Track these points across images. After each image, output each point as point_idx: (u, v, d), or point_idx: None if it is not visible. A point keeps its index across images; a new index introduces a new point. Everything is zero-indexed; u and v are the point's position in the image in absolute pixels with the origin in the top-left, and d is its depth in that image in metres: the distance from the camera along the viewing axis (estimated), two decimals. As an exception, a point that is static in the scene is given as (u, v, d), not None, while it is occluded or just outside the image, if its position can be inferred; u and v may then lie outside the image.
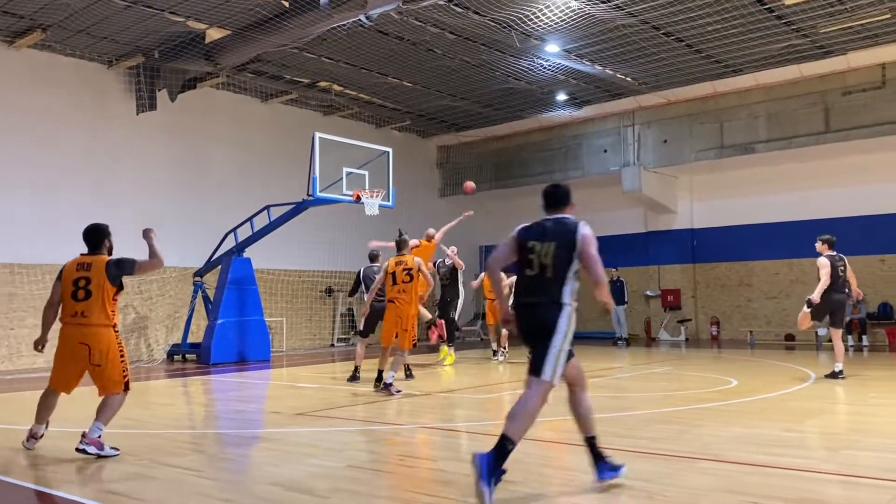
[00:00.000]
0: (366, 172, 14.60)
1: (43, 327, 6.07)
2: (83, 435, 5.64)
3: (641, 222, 21.90)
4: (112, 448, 5.69)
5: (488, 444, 5.40)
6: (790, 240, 19.09)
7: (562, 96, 19.54)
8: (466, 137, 23.34)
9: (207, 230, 16.40)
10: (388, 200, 14.73)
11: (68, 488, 4.80)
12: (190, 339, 15.76)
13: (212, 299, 15.59)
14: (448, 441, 6.32)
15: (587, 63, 16.78)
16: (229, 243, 15.58)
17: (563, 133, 22.02)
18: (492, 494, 4.13)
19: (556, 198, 5.20)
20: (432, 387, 10.34)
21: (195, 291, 15.93)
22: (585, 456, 4.72)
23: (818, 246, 10.91)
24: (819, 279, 10.57)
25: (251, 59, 15.76)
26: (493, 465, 4.24)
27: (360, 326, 11.29)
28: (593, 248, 4.84)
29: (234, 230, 15.50)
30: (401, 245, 10.09)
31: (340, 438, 6.66)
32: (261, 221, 15.21)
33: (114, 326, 5.86)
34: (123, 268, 5.94)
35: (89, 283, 5.83)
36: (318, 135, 13.97)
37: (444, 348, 13.67)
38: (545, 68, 17.12)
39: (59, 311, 5.97)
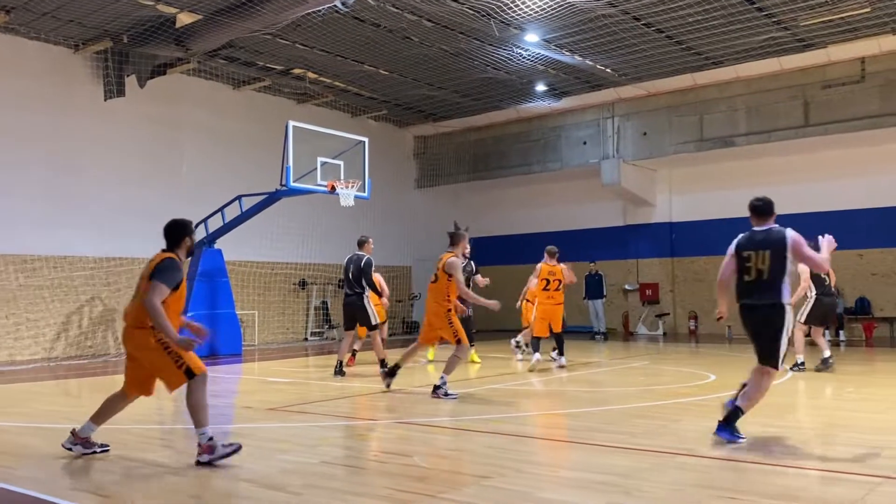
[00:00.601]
0: (341, 162, 14.54)
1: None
2: (199, 445, 5.20)
3: (620, 215, 22.04)
4: (226, 445, 5.28)
5: (467, 439, 5.41)
6: (769, 234, 19.31)
7: (541, 87, 19.58)
8: (444, 128, 23.32)
9: (177, 220, 16.22)
10: (364, 191, 14.68)
11: (30, 485, 4.74)
12: (159, 333, 15.59)
13: (182, 291, 15.43)
14: (424, 436, 6.33)
15: (567, 53, 16.83)
16: (199, 234, 15.40)
17: (543, 124, 22.07)
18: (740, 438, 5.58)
19: (763, 210, 5.98)
20: (409, 382, 10.34)
21: (164, 283, 15.75)
22: (570, 451, 4.74)
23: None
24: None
25: (223, 44, 15.61)
26: (732, 427, 5.65)
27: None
28: (806, 248, 5.77)
29: (204, 220, 15.37)
30: (452, 238, 9.23)
31: (314, 434, 6.64)
32: (232, 212, 15.09)
33: (148, 328, 5.26)
34: (168, 274, 5.33)
35: (141, 281, 5.43)
36: (291, 123, 13.88)
37: (431, 349, 13.19)
38: (524, 58, 17.14)
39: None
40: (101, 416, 5.63)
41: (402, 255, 22.93)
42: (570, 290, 22.75)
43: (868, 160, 18.04)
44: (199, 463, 5.16)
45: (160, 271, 5.30)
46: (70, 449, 5.47)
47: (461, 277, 8.77)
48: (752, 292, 5.83)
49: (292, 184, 13.68)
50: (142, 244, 16.64)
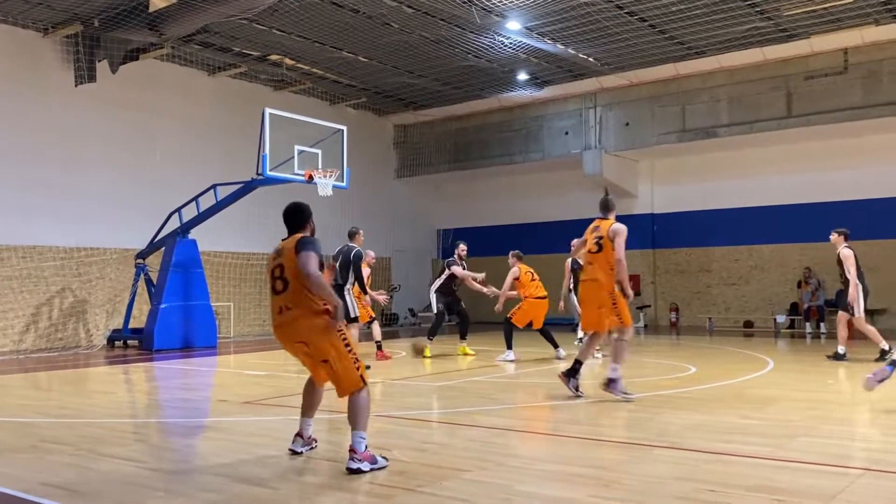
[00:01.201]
0: (319, 151, 14.45)
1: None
2: (351, 451, 4.82)
3: (602, 207, 22.11)
4: (382, 457, 4.90)
5: (447, 432, 5.43)
6: (750, 226, 19.52)
7: (523, 76, 19.58)
8: (424, 116, 23.27)
9: (150, 210, 16.11)
10: (342, 181, 14.61)
11: (1, 481, 4.69)
12: (132, 325, 15.51)
13: (155, 282, 15.34)
14: (404, 430, 6.34)
15: (549, 42, 16.83)
16: (173, 224, 15.31)
17: (524, 114, 22.09)
18: None
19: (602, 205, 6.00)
20: (388, 375, 10.34)
21: (137, 274, 15.66)
22: (551, 444, 4.76)
23: (834, 238, 11.36)
24: (848, 271, 11.08)
25: (198, 29, 15.45)
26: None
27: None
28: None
29: (178, 210, 15.24)
30: (604, 206, 8.49)
31: (291, 428, 6.60)
32: (207, 201, 14.97)
33: (324, 312, 4.94)
34: (314, 245, 5.07)
35: (283, 270, 5.06)
36: (268, 111, 13.78)
37: (463, 345, 13.17)
38: (506, 46, 17.13)
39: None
40: (308, 408, 5.43)
41: (382, 245, 22.87)
42: (552, 283, 22.81)
43: (851, 152, 18.24)
44: (353, 471, 4.72)
45: (304, 243, 5.01)
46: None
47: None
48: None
49: (269, 173, 13.59)
50: (113, 234, 16.55)
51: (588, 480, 4.53)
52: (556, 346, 12.11)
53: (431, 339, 12.92)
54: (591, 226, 8.36)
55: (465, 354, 12.82)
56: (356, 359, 4.98)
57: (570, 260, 12.67)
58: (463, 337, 13.19)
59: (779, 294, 19.39)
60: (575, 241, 9.38)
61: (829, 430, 6.12)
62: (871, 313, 18.05)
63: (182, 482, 4.71)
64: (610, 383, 7.63)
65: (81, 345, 15.33)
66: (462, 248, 13.45)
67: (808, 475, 4.67)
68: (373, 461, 4.81)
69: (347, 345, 4.96)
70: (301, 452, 5.28)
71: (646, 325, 20.53)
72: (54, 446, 5.63)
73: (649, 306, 20.98)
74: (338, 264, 11.12)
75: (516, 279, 12.23)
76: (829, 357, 11.40)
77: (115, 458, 5.25)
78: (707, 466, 4.87)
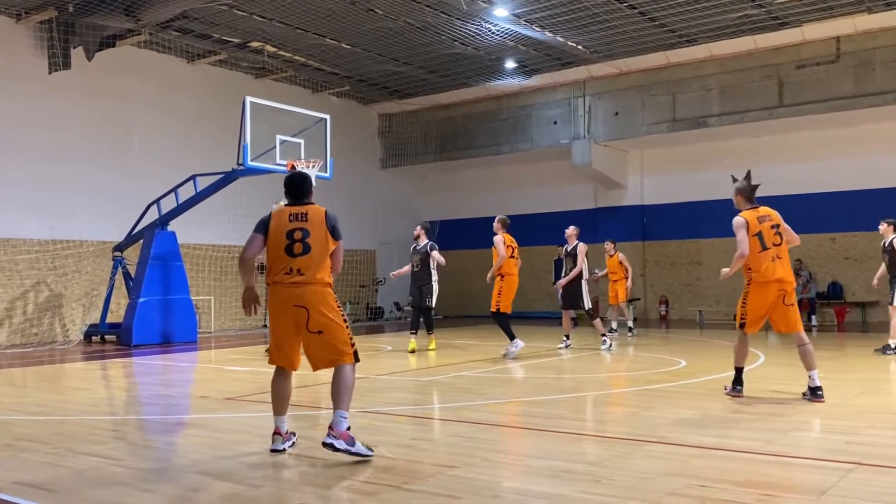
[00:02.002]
0: (301, 141, 14.41)
1: (246, 280, 5.31)
2: (329, 427, 4.97)
3: (591, 198, 22.19)
4: (366, 447, 4.97)
5: (432, 428, 5.45)
6: (742, 217, 19.60)
7: (510, 64, 19.58)
8: (410, 105, 23.22)
9: (128, 201, 16.02)
10: (326, 171, 14.58)
11: (-26, 480, 4.66)
12: (109, 319, 15.43)
13: (133, 276, 15.26)
14: (388, 426, 6.34)
15: (537, 29, 16.83)
16: (152, 215, 15.23)
17: (512, 103, 22.09)
18: None
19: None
20: (372, 370, 10.35)
21: (115, 267, 15.57)
22: (538, 440, 4.78)
23: (883, 227, 11.50)
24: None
25: (176, 15, 15.34)
26: None
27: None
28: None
29: (157, 201, 15.16)
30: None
31: (273, 424, 6.61)
32: (186, 192, 14.89)
33: (330, 286, 5.22)
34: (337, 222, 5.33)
35: (307, 235, 5.18)
36: (249, 99, 13.72)
37: (432, 337, 13.09)
38: (493, 33, 17.11)
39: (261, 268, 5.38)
40: (275, 406, 5.42)
41: (366, 238, 22.86)
42: (539, 275, 22.81)
43: (842, 142, 18.37)
44: (327, 445, 4.90)
45: (338, 227, 5.32)
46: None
47: None
48: None
49: (250, 163, 13.54)
50: (90, 226, 16.43)
51: (578, 476, 4.55)
52: (512, 337, 11.41)
53: (431, 333, 12.95)
54: (757, 215, 7.36)
55: (413, 350, 12.66)
56: (351, 335, 5.17)
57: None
58: (429, 330, 12.96)
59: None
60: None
61: (819, 424, 6.17)
62: (862, 306, 18.28)
63: (162, 481, 4.69)
64: (815, 391, 7.05)
65: (57, 340, 15.23)
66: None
67: (798, 470, 4.72)
68: (350, 442, 4.90)
69: (345, 319, 5.19)
70: (284, 450, 5.27)
71: (635, 319, 20.59)
72: (29, 444, 5.59)
73: (639, 299, 21.06)
74: None
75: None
76: (877, 351, 11.37)
77: (93, 456, 5.23)
78: (697, 461, 4.90)
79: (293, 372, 5.42)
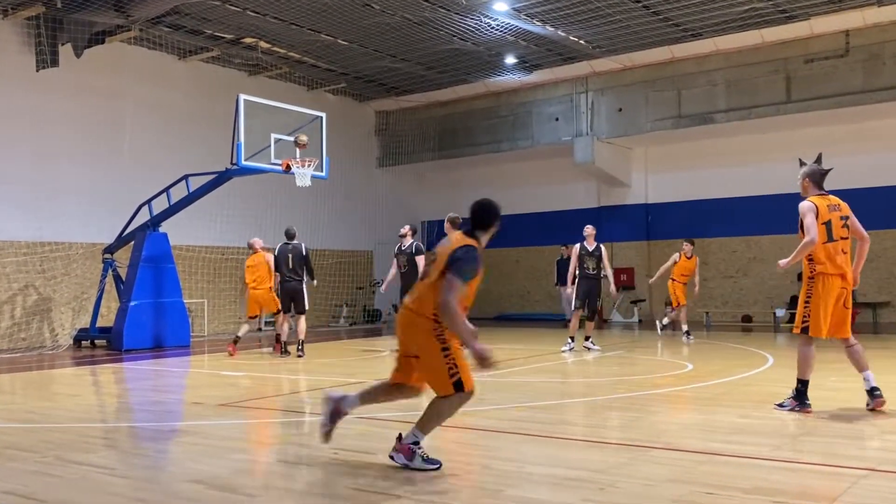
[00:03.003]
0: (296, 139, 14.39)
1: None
2: (400, 440, 4.97)
3: (594, 196, 22.18)
4: (428, 460, 4.87)
5: (432, 435, 5.43)
6: (748, 216, 19.61)
7: (511, 59, 19.58)
8: (407, 102, 23.22)
9: (119, 202, 16.01)
10: (322, 171, 14.57)
11: (-39, 490, 4.65)
12: (100, 323, 15.43)
13: (124, 279, 15.25)
14: (387, 432, 6.33)
15: (538, 23, 16.83)
16: (143, 216, 15.22)
17: (512, 100, 22.09)
18: None
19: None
20: (368, 375, 10.34)
21: (105, 270, 15.56)
22: (541, 446, 4.78)
23: None
24: None
25: (167, 11, 15.33)
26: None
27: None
28: None
29: (148, 202, 15.15)
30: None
31: (269, 431, 6.62)
32: (179, 192, 14.89)
33: (436, 319, 4.88)
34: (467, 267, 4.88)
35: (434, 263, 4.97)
36: (242, 97, 13.71)
37: None
38: (493, 28, 17.11)
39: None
40: (369, 398, 5.31)
41: (363, 238, 22.87)
42: (540, 276, 22.82)
43: (851, 138, 18.35)
44: (392, 458, 4.94)
45: (458, 262, 4.81)
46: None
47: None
48: None
49: (244, 162, 13.52)
50: (79, 227, 16.43)
51: (581, 484, 4.55)
52: None
53: None
54: (827, 203, 7.01)
55: None
56: (454, 365, 4.90)
57: (577, 246, 13.08)
58: None
59: (778, 287, 19.50)
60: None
61: (830, 429, 6.17)
62: (873, 307, 18.28)
63: (154, 490, 4.69)
64: (873, 393, 6.71)
65: (46, 345, 15.22)
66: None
67: (808, 476, 4.72)
68: (409, 456, 4.86)
69: (445, 349, 4.90)
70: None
71: (640, 321, 20.63)
72: (18, 453, 5.59)
73: (644, 301, 21.07)
74: (290, 263, 12.73)
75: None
76: None
77: (84, 464, 5.22)
78: (704, 468, 4.90)
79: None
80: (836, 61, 17.47)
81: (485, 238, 5.13)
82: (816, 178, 7.14)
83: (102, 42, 16.39)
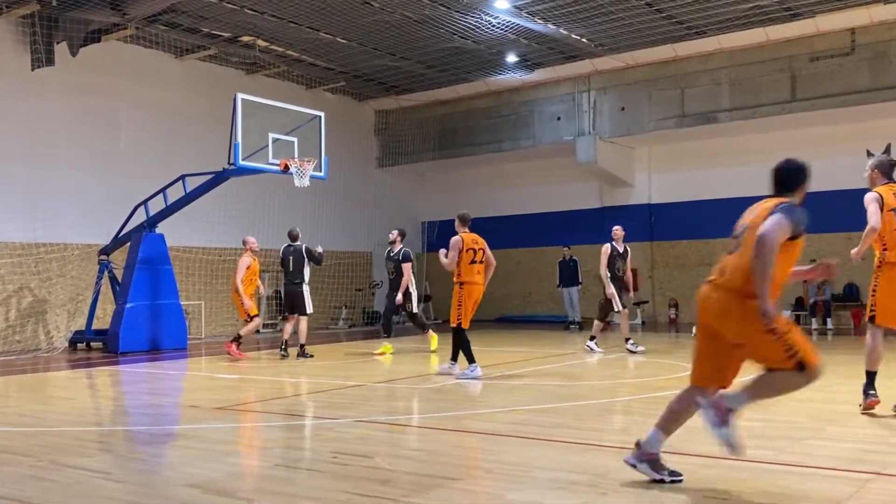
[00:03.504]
0: (294, 139, 14.40)
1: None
2: (637, 445, 4.72)
3: (596, 196, 22.18)
4: (670, 473, 4.58)
5: (432, 438, 5.46)
6: (753, 216, 19.59)
7: (512, 58, 19.58)
8: (407, 101, 23.22)
9: (114, 202, 16.01)
10: (321, 171, 14.58)
11: (-46, 495, 4.66)
12: (95, 325, 15.43)
13: (120, 280, 15.26)
14: (386, 436, 6.33)
15: (539, 21, 16.83)
16: (139, 217, 15.23)
17: (513, 99, 22.09)
18: None
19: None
20: (368, 377, 10.34)
21: (101, 271, 15.57)
22: (542, 449, 4.77)
23: None
24: None
25: (164, 9, 15.34)
26: None
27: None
28: None
29: (144, 202, 15.16)
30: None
31: (266, 435, 6.61)
32: (175, 193, 14.89)
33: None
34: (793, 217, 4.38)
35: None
36: (240, 96, 13.71)
37: (434, 336, 13.35)
38: (494, 26, 17.12)
39: None
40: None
41: (362, 239, 22.86)
42: (542, 277, 22.77)
43: (857, 137, 18.31)
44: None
45: (785, 208, 4.39)
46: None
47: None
48: None
49: (241, 162, 13.52)
50: (75, 228, 16.43)
51: (583, 488, 4.55)
52: (455, 358, 10.05)
53: (426, 332, 13.45)
54: (893, 192, 7.02)
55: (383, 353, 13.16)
56: (789, 342, 4.36)
57: (608, 246, 13.21)
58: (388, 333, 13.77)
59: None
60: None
61: (836, 433, 6.16)
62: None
63: (150, 494, 4.69)
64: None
65: (41, 347, 15.22)
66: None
67: (813, 480, 4.71)
68: (653, 466, 4.58)
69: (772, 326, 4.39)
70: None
71: (643, 323, 20.62)
72: (13, 457, 5.59)
73: (647, 302, 21.05)
74: (292, 265, 12.86)
75: (461, 251, 9.81)
76: None
77: (79, 469, 5.23)
78: (708, 472, 4.90)
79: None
80: (842, 59, 17.46)
81: (796, 200, 4.66)
82: (885, 169, 7.15)
83: (98, 41, 16.40)
